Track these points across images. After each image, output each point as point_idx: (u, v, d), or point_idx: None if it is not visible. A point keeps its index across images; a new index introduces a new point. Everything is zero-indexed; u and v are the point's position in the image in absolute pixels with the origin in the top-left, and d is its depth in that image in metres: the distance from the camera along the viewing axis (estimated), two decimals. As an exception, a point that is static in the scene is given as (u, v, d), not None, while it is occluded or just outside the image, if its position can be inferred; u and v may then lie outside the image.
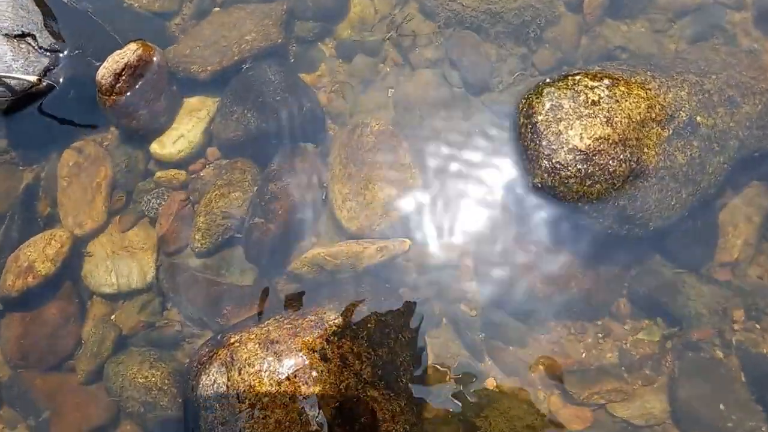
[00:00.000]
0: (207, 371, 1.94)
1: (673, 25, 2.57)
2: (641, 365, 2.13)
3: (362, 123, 2.38)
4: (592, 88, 2.05)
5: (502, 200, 2.23)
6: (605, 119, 1.99)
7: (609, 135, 1.97)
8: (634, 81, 2.10)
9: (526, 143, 2.08)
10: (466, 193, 2.26)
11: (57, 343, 2.23)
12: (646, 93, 2.08)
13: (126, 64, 2.35)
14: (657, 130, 2.05)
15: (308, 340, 1.94)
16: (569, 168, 1.98)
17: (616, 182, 2.00)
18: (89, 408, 2.14)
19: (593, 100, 2.02)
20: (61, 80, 2.44)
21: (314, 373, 1.88)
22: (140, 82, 2.39)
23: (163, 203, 2.38)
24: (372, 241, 2.23)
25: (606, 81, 2.08)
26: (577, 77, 2.10)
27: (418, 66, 2.56)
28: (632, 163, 2.01)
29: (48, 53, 2.46)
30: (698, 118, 2.12)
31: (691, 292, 2.13)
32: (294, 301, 2.17)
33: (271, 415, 1.82)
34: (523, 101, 2.15)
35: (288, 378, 1.87)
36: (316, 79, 2.61)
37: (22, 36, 2.45)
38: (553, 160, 2.00)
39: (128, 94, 2.38)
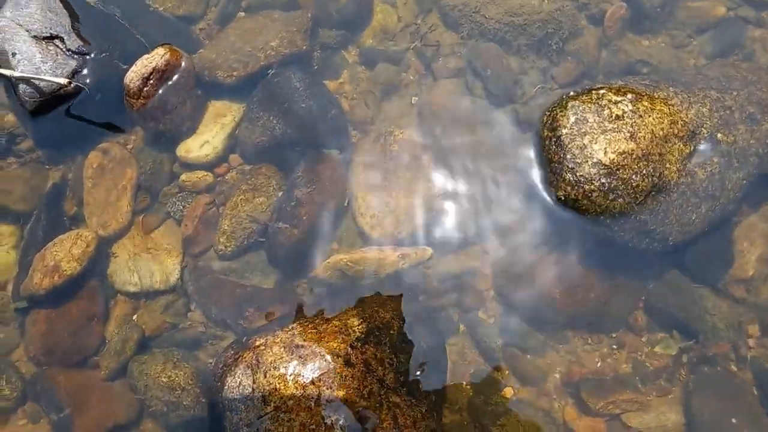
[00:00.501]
0: (233, 373, 1.97)
1: (693, 41, 2.61)
2: (656, 377, 2.16)
3: (386, 131, 2.42)
4: (616, 103, 2.09)
5: (524, 211, 2.26)
6: (629, 134, 2.03)
7: (633, 150, 2.01)
8: (657, 96, 2.14)
9: (549, 156, 2.12)
10: (488, 204, 2.30)
11: (81, 341, 2.27)
12: (669, 109, 2.11)
13: (154, 68, 2.39)
14: (679, 145, 2.09)
15: (333, 346, 1.97)
16: (593, 182, 2.02)
17: (638, 197, 2.04)
18: (112, 405, 2.17)
19: (617, 115, 2.06)
20: (88, 82, 2.48)
21: (338, 378, 1.91)
22: (167, 86, 2.42)
23: (188, 206, 2.41)
24: (394, 249, 2.26)
25: (629, 96, 2.11)
26: (601, 91, 2.14)
27: (440, 76, 2.59)
28: (654, 178, 2.04)
29: (76, 56, 2.49)
30: (719, 135, 2.15)
31: (708, 306, 2.16)
32: (317, 306, 2.20)
33: (295, 418, 1.86)
34: (547, 114, 2.19)
35: (312, 382, 1.90)
36: (338, 86, 2.65)
37: (51, 38, 2.48)
38: (577, 174, 2.04)
39: (155, 97, 2.41)
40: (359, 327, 2.05)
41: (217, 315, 2.27)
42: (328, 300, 2.21)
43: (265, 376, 1.93)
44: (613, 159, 2.00)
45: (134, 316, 2.33)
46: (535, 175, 2.21)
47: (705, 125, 2.15)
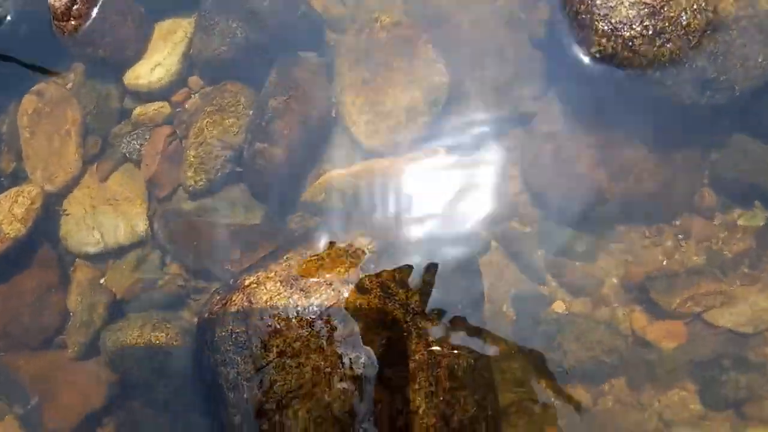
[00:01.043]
0: (221, 322, 1.59)
1: None
2: (737, 264, 1.78)
3: (370, 19, 2.00)
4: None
5: (552, 86, 1.86)
6: (672, -39, 1.62)
7: (679, -22, 1.60)
8: None
9: (574, 7, 1.71)
10: (507, 83, 1.89)
11: (41, 318, 1.89)
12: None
13: (81, -18, 1.97)
14: (734, -30, 1.68)
15: (340, 271, 1.59)
16: (633, 26, 1.61)
17: (691, 38, 1.63)
18: (86, 388, 1.80)
19: (653, -58, 1.65)
20: (9, 17, 2.06)
21: (352, 308, 1.53)
22: (101, 2, 2.01)
23: (145, 143, 2.01)
24: (398, 156, 1.87)
25: None
26: None
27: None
28: (708, 13, 1.64)
29: (-11, -15, 2.08)
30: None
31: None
32: (315, 234, 1.81)
33: (306, 362, 1.47)
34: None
35: (321, 317, 1.52)
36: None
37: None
38: (612, 21, 1.63)
39: (89, 18, 2.00)
40: (369, 246, 1.67)
41: (197, 264, 1.88)
42: (328, 225, 1.82)
43: (262, 318, 1.54)
44: (657, -8, 1.60)
45: (102, 280, 1.95)
46: (561, 36, 1.79)
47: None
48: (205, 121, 1.94)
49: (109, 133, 2.07)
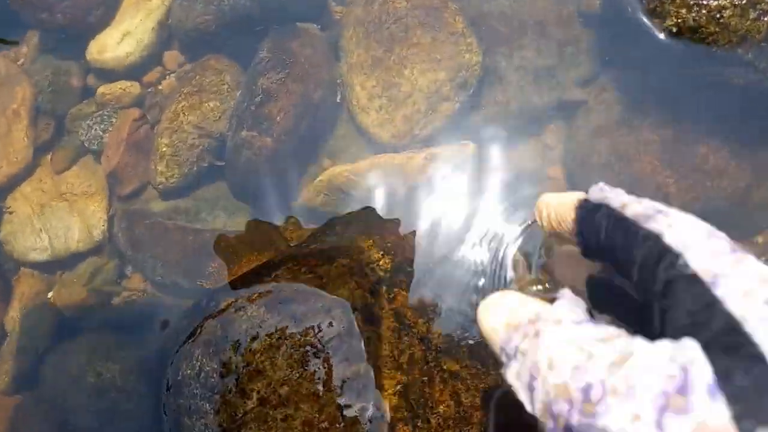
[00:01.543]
0: (188, 356, 1.24)
1: None
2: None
3: (384, -14, 1.66)
4: None
5: (605, 67, 1.52)
6: None
7: (782, -68, 1.27)
8: None
9: (643, -31, 1.37)
10: (550, 65, 1.55)
11: (-30, 340, 1.53)
12: None
13: (36, -68, 1.63)
14: None
15: (343, 293, 1.24)
16: (722, -8, 1.28)
17: (793, 10, 1.30)
18: (18, 429, 1.43)
19: None
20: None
21: (356, 342, 1.18)
22: (59, -42, 1.67)
23: (110, 129, 1.67)
24: (416, 150, 1.53)
25: None
26: None
27: None
28: (814, -22, 1.31)
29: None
30: None
31: None
32: (312, 245, 1.46)
33: (295, 415, 1.12)
34: None
35: (316, 353, 1.17)
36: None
37: None
38: (694, -15, 1.30)
39: (44, -25, 1.66)
40: (381, 262, 1.32)
41: (166, 276, 1.52)
42: (329, 232, 1.47)
43: (240, 354, 1.19)
44: (755, -52, 1.26)
45: (49, 294, 1.59)
46: (622, 6, 1.45)
47: None
48: (181, 105, 1.59)
49: (65, 115, 1.72)
